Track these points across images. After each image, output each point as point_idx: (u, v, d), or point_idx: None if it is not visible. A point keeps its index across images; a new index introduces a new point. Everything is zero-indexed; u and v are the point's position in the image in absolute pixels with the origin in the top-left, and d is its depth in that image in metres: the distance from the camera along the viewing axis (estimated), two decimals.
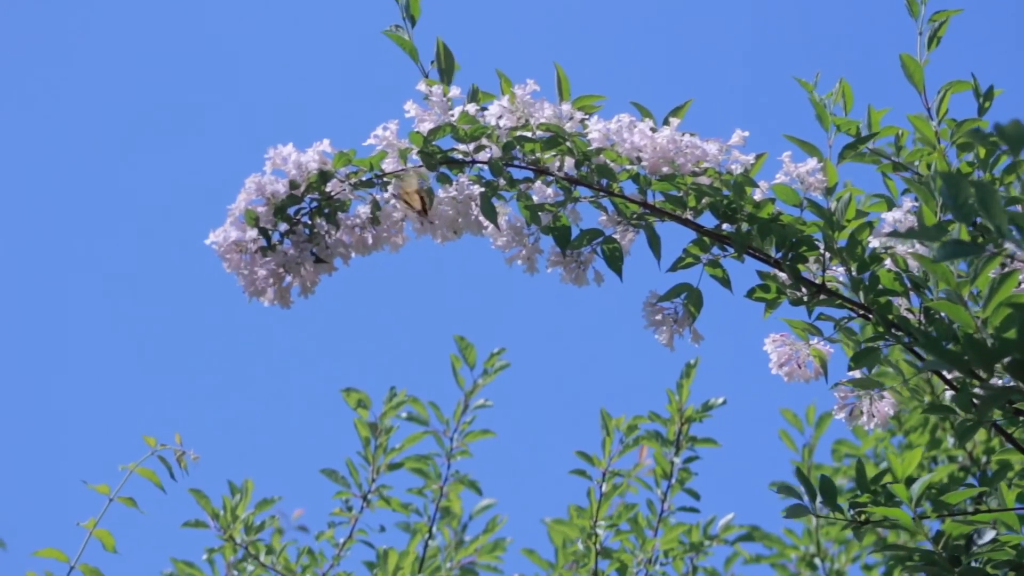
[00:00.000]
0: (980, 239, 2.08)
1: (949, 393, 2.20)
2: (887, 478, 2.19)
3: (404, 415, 3.85)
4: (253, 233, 2.17)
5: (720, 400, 3.57)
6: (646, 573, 3.43)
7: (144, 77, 6.26)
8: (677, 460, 3.54)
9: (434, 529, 3.79)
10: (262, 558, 3.61)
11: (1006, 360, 1.74)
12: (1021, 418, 2.14)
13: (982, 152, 2.33)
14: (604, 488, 3.47)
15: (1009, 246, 2.17)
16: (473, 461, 3.90)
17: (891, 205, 2.31)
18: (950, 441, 3.52)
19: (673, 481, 3.55)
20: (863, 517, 2.17)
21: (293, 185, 2.17)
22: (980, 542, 2.10)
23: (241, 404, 5.95)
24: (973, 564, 2.11)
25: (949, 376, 2.20)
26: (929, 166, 2.34)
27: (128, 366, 6.00)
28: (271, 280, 2.17)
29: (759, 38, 6.22)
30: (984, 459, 3.53)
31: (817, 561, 3.92)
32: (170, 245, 5.99)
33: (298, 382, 5.83)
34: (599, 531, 3.41)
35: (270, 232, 2.18)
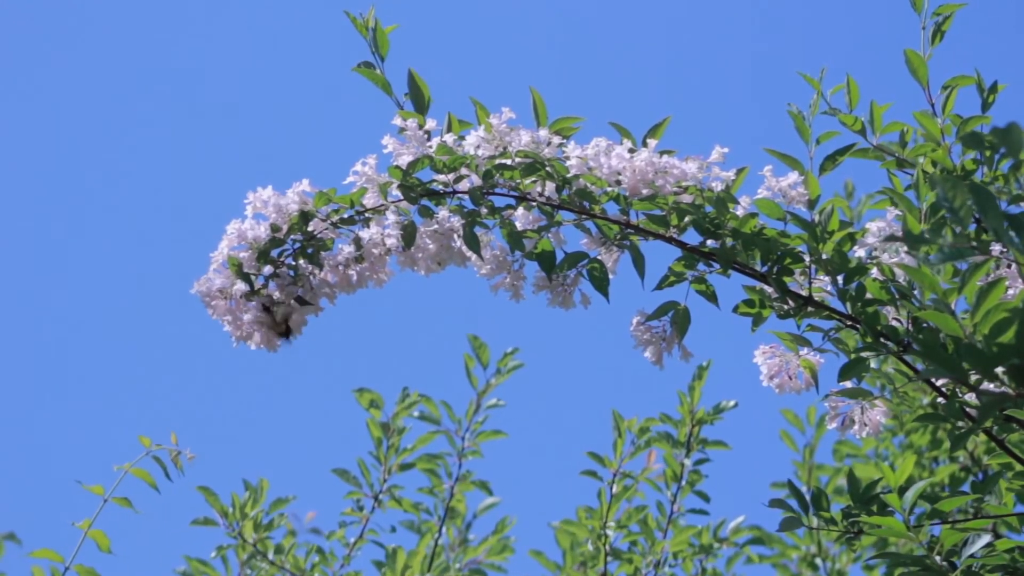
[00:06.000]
0: (983, 237, 2.08)
1: (940, 400, 2.20)
2: (883, 483, 2.20)
3: (416, 414, 3.86)
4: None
5: (731, 403, 3.57)
6: (655, 575, 3.44)
7: (125, 113, 6.29)
8: (688, 462, 3.54)
9: (443, 529, 3.81)
10: (271, 556, 3.64)
11: (1004, 366, 1.74)
12: (1014, 424, 2.15)
13: (986, 150, 2.33)
14: (615, 489, 3.48)
15: (996, 248, 2.17)
16: (483, 461, 3.91)
17: (894, 203, 2.31)
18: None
19: (683, 483, 3.55)
20: (856, 528, 2.18)
21: (274, 228, 2.18)
22: (974, 547, 2.11)
23: (253, 404, 5.98)
24: (969, 569, 2.12)
25: (939, 384, 2.21)
26: (934, 163, 2.34)
27: (138, 366, 6.04)
28: (257, 324, 2.18)
29: (759, 37, 6.19)
30: (985, 458, 3.53)
31: (818, 561, 3.93)
32: (179, 244, 6.01)
33: (310, 382, 5.86)
34: (609, 532, 3.42)
35: (254, 277, 2.19)
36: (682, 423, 3.58)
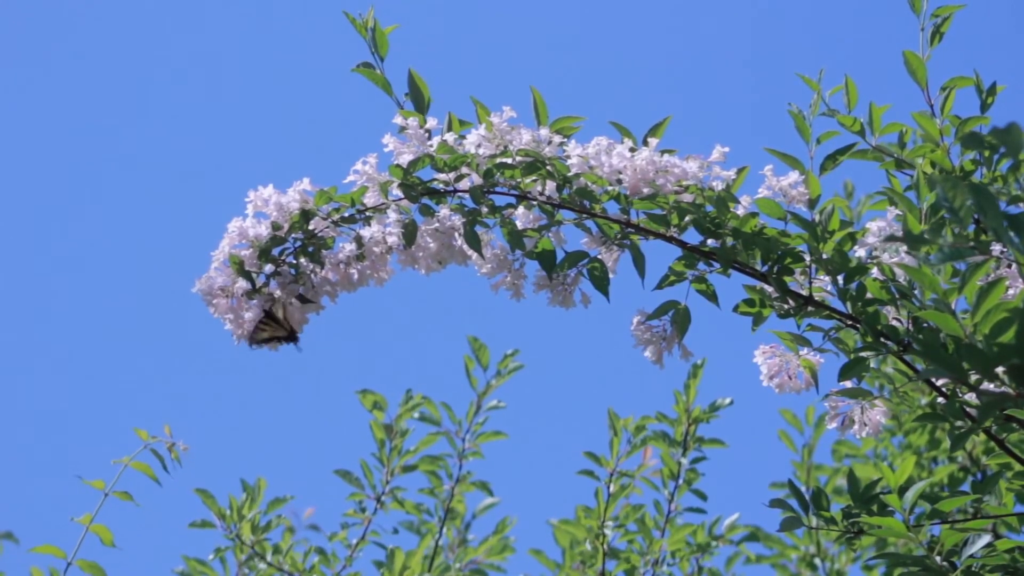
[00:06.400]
0: (983, 238, 2.08)
1: (939, 400, 2.20)
2: (882, 483, 2.20)
3: (417, 416, 3.87)
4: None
5: (727, 401, 3.57)
6: (653, 574, 3.45)
7: (125, 113, 6.29)
8: (684, 461, 3.54)
9: (443, 529, 3.82)
10: (269, 558, 3.64)
11: (1004, 366, 1.74)
12: (1013, 424, 2.15)
13: (985, 151, 2.33)
14: (612, 488, 3.49)
15: (996, 248, 2.17)
16: (483, 461, 3.92)
17: (893, 203, 2.31)
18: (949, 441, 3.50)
19: (680, 482, 3.56)
20: (856, 528, 2.18)
21: (275, 227, 2.19)
22: (974, 547, 2.11)
23: (256, 405, 5.98)
24: (969, 569, 2.12)
25: (939, 384, 2.21)
26: (933, 164, 2.34)
27: (140, 366, 6.04)
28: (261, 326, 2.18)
29: (759, 36, 6.19)
30: (985, 458, 3.53)
31: (817, 561, 3.93)
32: (179, 242, 6.02)
33: (312, 383, 5.86)
34: (607, 531, 3.43)
35: (255, 275, 2.19)
36: (678, 422, 3.58)
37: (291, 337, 2.19)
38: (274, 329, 2.18)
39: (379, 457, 3.83)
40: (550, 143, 2.22)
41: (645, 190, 2.21)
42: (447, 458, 3.87)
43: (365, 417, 3.87)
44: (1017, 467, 2.28)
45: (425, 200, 2.23)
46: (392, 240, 2.23)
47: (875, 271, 2.20)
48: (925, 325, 2.12)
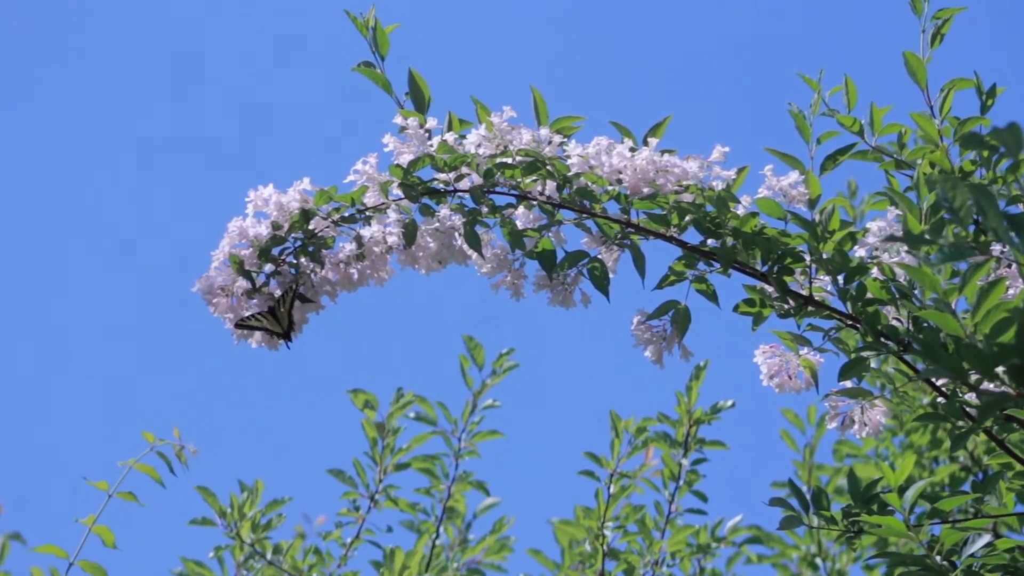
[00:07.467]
0: (982, 238, 2.08)
1: (940, 400, 2.20)
2: (883, 483, 2.20)
3: (412, 415, 3.87)
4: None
5: (729, 403, 3.57)
6: (653, 574, 3.45)
7: (126, 112, 6.29)
8: (685, 462, 3.54)
9: (440, 529, 3.82)
10: (269, 556, 3.64)
11: (1004, 365, 1.74)
12: (1014, 424, 2.15)
13: (984, 151, 2.33)
14: (612, 489, 3.49)
15: (996, 248, 2.17)
16: (480, 461, 3.92)
17: (894, 203, 2.31)
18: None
19: (681, 483, 3.56)
20: (857, 527, 2.18)
21: (275, 227, 2.19)
22: (974, 547, 2.11)
23: (249, 405, 5.98)
24: (969, 569, 2.12)
25: (939, 383, 2.21)
26: (932, 164, 2.34)
27: (135, 364, 6.04)
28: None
29: (759, 36, 6.20)
30: (986, 458, 3.53)
31: (818, 561, 3.93)
32: (179, 242, 6.02)
33: (306, 382, 5.86)
34: (607, 532, 3.43)
35: (255, 275, 2.19)
36: (680, 423, 3.58)
37: (284, 336, 2.19)
38: (271, 324, 2.18)
39: (372, 456, 3.83)
40: (550, 143, 2.22)
41: (645, 190, 2.21)
42: (443, 457, 3.87)
43: (358, 416, 3.88)
44: (1018, 467, 2.28)
45: (425, 200, 2.23)
46: (392, 240, 2.23)
47: (875, 271, 2.20)
48: (925, 325, 2.12)
